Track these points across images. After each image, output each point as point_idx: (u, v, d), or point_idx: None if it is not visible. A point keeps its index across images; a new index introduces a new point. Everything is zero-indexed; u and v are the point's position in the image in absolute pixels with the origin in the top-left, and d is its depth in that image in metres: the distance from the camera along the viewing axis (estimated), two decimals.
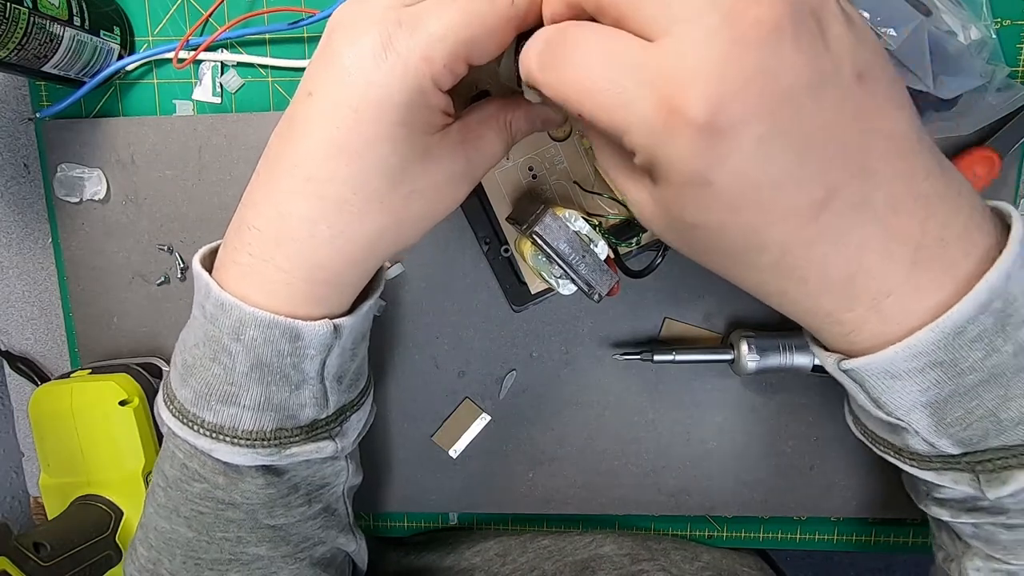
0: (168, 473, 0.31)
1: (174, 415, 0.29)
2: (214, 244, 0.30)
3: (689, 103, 0.18)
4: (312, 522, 0.34)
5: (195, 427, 0.29)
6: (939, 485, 0.28)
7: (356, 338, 0.31)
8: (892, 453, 0.29)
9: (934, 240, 0.21)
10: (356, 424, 0.34)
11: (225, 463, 0.29)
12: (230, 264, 0.27)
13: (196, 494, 0.30)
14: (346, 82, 0.23)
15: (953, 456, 0.26)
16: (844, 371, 0.25)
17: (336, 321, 0.28)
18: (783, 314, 0.25)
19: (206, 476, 0.30)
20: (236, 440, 0.28)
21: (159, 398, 0.31)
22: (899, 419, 0.25)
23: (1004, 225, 0.23)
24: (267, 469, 0.30)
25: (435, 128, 0.25)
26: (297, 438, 0.30)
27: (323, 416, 0.31)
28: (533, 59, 0.22)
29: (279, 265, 0.26)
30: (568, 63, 0.21)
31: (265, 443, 0.29)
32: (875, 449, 0.30)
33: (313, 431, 0.31)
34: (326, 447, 0.31)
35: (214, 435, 0.28)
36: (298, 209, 0.25)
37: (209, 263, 0.29)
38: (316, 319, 0.27)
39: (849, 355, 0.25)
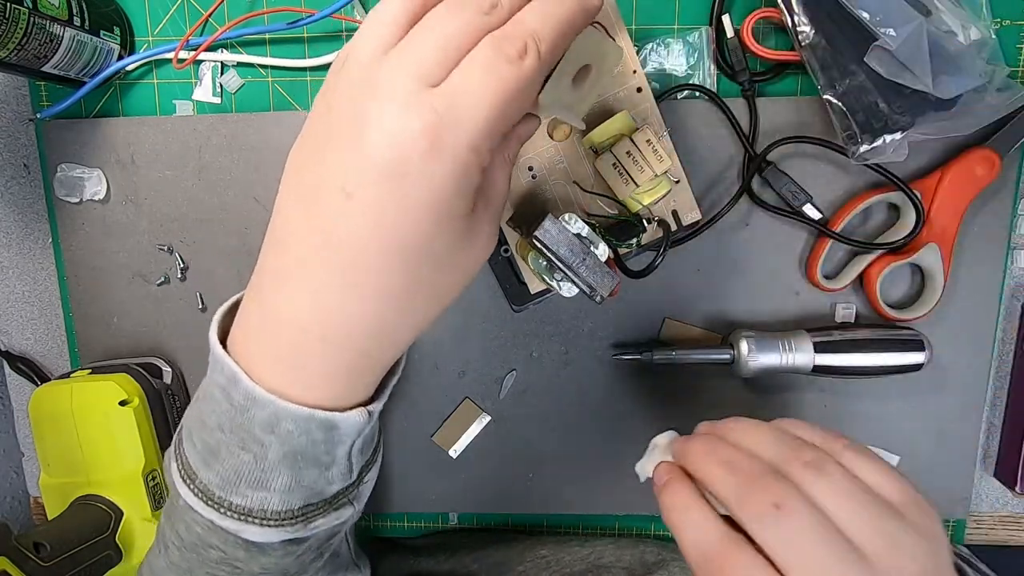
0: (184, 536, 0.30)
1: (197, 495, 0.28)
2: (227, 306, 0.28)
3: None
4: (321, 572, 0.34)
5: (222, 510, 0.28)
6: None
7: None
8: None
9: None
10: (370, 481, 0.33)
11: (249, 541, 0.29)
12: (263, 355, 0.26)
13: (213, 560, 0.29)
14: (392, 181, 0.22)
15: None
16: None
17: (370, 408, 0.27)
18: None
19: (226, 550, 0.29)
20: (265, 521, 0.28)
21: (171, 466, 0.29)
22: None
23: None
24: (289, 540, 0.30)
25: (474, 203, 0.24)
26: (322, 510, 0.29)
27: (346, 485, 0.30)
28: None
29: (323, 360, 0.25)
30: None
31: (293, 521, 0.28)
32: None
33: (336, 500, 0.30)
34: (346, 512, 0.31)
35: (241, 517, 0.28)
36: (345, 304, 0.24)
37: (224, 326, 0.28)
38: (351, 407, 0.27)
39: None
